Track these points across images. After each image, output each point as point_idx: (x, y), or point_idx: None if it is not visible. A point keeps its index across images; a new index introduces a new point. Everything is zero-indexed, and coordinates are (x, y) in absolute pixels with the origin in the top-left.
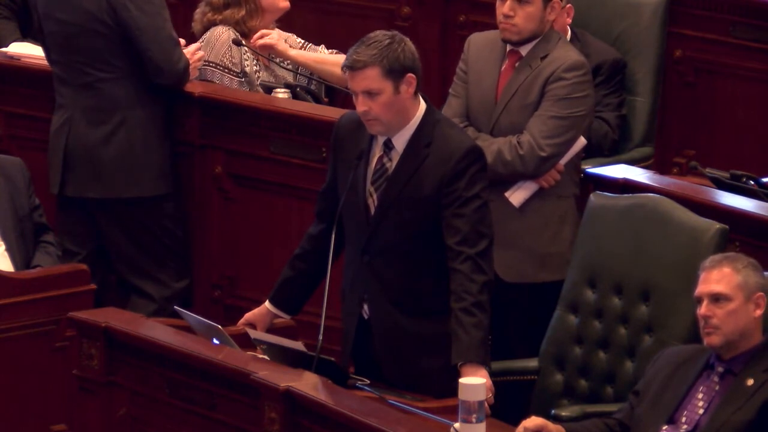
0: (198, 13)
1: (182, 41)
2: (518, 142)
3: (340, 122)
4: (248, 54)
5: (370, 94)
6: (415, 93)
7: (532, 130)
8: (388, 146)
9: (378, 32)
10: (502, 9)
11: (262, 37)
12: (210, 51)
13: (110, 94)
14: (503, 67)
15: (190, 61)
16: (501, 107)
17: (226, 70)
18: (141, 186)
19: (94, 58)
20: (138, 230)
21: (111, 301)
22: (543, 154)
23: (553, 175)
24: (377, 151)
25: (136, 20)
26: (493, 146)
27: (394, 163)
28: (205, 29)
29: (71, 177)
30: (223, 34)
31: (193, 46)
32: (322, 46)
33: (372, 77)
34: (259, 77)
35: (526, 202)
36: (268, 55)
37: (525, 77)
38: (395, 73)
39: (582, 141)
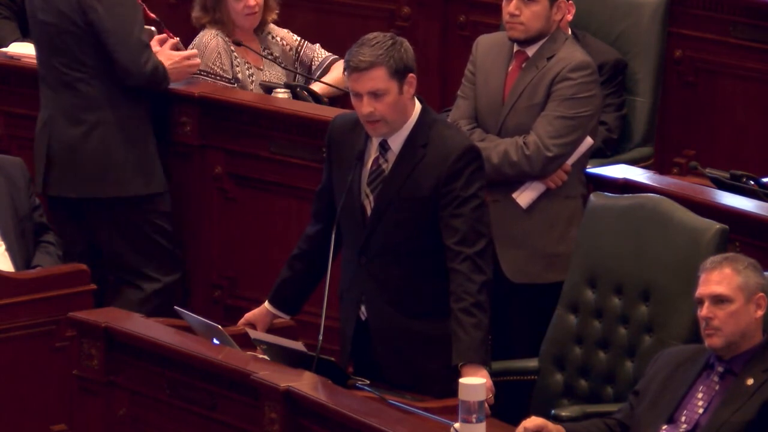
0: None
1: (176, 39)
2: (525, 143)
3: (334, 123)
4: (240, 59)
5: (376, 94)
6: (413, 93)
7: (539, 131)
8: (384, 147)
9: (377, 33)
10: (508, 8)
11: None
12: (200, 58)
13: (86, 93)
14: (510, 68)
15: (181, 66)
16: (508, 108)
17: (218, 77)
18: (119, 186)
19: (70, 57)
20: (122, 228)
21: (111, 301)
22: (549, 154)
23: (560, 176)
24: (373, 152)
25: (104, 22)
26: (499, 147)
27: (391, 163)
28: (199, 28)
29: (53, 176)
30: (211, 41)
31: (187, 52)
32: (318, 45)
33: (379, 77)
34: (253, 81)
35: (534, 203)
36: (264, 49)
37: (531, 78)
38: (400, 73)
39: (589, 141)
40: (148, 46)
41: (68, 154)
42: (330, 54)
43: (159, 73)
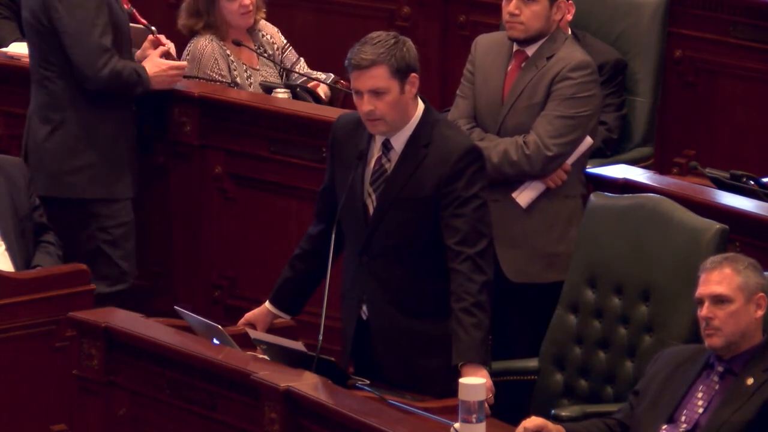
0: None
1: (167, 47)
2: (524, 142)
3: (338, 123)
4: (236, 63)
5: (376, 93)
6: (415, 93)
7: (539, 130)
8: (387, 147)
9: (380, 32)
10: (508, 8)
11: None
12: (197, 66)
13: (53, 92)
14: (510, 68)
15: (166, 75)
16: (507, 107)
17: (217, 84)
18: (80, 188)
19: (40, 55)
20: (75, 230)
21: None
22: (549, 153)
23: (559, 175)
24: (375, 152)
25: (63, 23)
26: (499, 146)
27: (393, 163)
28: (190, 35)
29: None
30: (207, 47)
31: (176, 62)
32: (302, 59)
33: (380, 76)
34: (251, 83)
35: (533, 203)
36: (257, 48)
37: (531, 77)
38: (401, 72)
39: (588, 140)
40: (109, 51)
41: (36, 151)
42: (311, 72)
43: (122, 78)
